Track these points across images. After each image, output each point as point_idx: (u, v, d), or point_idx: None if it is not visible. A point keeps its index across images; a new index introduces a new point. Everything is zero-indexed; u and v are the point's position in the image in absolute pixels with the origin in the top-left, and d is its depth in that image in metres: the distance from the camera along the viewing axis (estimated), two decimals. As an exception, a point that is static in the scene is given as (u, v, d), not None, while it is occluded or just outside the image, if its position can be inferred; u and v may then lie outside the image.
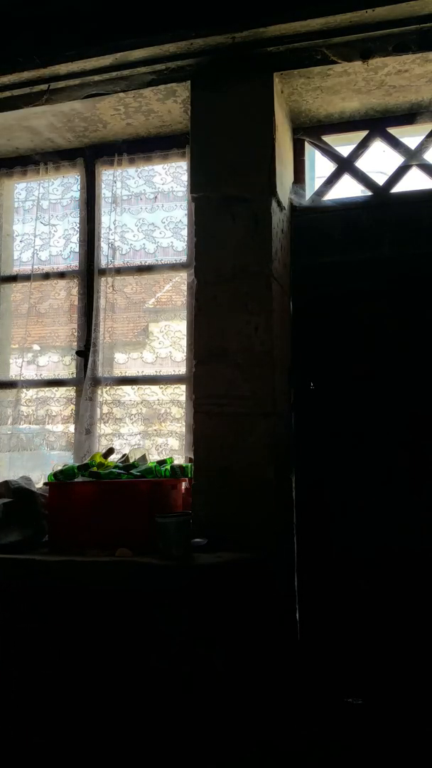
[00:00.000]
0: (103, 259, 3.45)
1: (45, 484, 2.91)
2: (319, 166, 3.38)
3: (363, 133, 3.19)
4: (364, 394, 3.01)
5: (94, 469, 2.86)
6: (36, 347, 3.66)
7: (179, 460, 3.13)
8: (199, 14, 2.74)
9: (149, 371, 3.38)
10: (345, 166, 3.18)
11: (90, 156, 3.49)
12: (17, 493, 2.87)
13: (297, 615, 3.00)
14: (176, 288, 3.49)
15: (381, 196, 3.10)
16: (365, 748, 2.74)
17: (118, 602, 2.50)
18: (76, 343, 3.45)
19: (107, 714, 2.50)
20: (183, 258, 3.35)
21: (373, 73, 2.84)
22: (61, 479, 2.79)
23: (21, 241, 3.64)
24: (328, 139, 3.24)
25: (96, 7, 2.88)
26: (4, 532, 2.74)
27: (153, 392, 3.36)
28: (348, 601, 2.95)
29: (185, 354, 3.27)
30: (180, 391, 3.30)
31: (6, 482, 2.94)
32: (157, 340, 3.43)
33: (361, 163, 3.18)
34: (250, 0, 2.68)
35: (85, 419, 3.30)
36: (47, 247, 3.56)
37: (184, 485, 2.85)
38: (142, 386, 3.38)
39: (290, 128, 3.18)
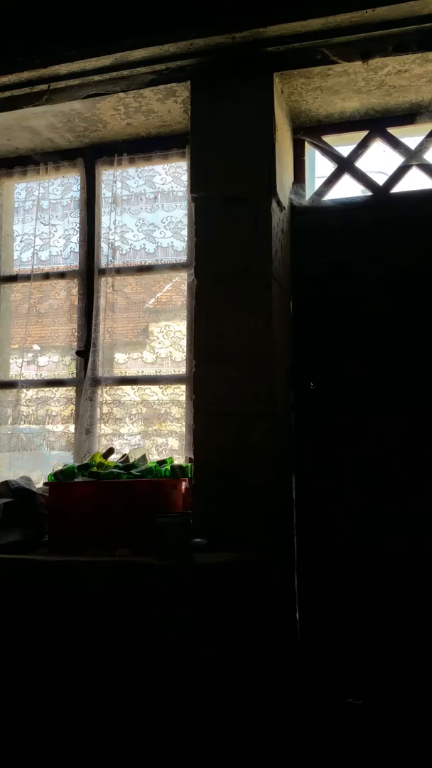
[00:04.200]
0: (103, 259, 3.45)
1: (45, 484, 2.91)
2: (319, 166, 3.38)
3: (363, 133, 3.19)
4: (365, 393, 3.01)
5: (94, 469, 2.86)
6: (36, 347, 3.66)
7: (179, 460, 3.13)
8: (199, 14, 2.74)
9: (149, 371, 3.38)
10: (345, 166, 3.18)
11: (90, 156, 3.49)
12: (17, 493, 2.87)
13: (297, 615, 3.00)
14: (176, 288, 3.49)
15: (381, 196, 3.10)
16: (365, 749, 2.74)
17: (118, 602, 2.50)
18: (76, 343, 3.45)
19: (107, 714, 2.50)
20: (183, 258, 3.35)
21: (373, 73, 2.84)
22: (61, 479, 2.79)
23: (21, 241, 3.64)
24: (328, 139, 3.24)
25: (96, 7, 2.88)
26: (4, 532, 2.74)
27: (153, 392, 3.36)
28: (348, 601, 2.95)
29: (185, 354, 3.27)
30: (180, 391, 3.30)
31: (6, 482, 2.94)
32: (157, 340, 3.43)
33: (361, 163, 3.18)
34: (250, 0, 2.68)
35: (85, 419, 3.30)
36: (47, 247, 3.56)
37: (184, 485, 2.85)
38: (142, 386, 3.38)
39: (290, 128, 3.18)
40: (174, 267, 3.39)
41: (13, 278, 3.67)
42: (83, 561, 2.54)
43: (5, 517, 2.78)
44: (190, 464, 2.90)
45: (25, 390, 3.51)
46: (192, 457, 2.90)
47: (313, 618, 2.99)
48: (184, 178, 3.36)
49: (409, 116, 3.13)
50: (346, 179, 3.20)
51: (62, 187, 3.58)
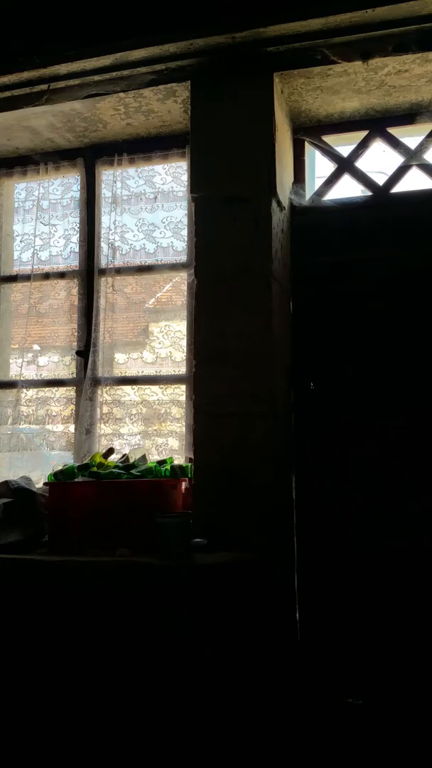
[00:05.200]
0: (103, 259, 3.45)
1: (45, 484, 2.91)
2: (319, 166, 3.38)
3: (363, 133, 3.19)
4: (365, 393, 3.01)
5: (94, 469, 2.86)
6: (36, 347, 3.66)
7: (179, 460, 3.13)
8: (199, 14, 2.74)
9: (149, 371, 3.38)
10: (345, 166, 3.18)
11: (90, 156, 3.49)
12: (17, 493, 2.87)
13: (297, 615, 3.00)
14: (176, 288, 3.49)
15: (381, 196, 3.10)
16: (365, 749, 2.74)
17: (118, 602, 2.50)
18: (76, 343, 3.45)
19: (107, 714, 2.50)
20: (183, 258, 3.35)
21: (373, 73, 2.84)
22: (61, 479, 2.79)
23: (21, 241, 3.64)
24: (328, 139, 3.24)
25: (96, 7, 2.88)
26: (4, 532, 2.74)
27: (153, 392, 3.36)
28: (348, 601, 2.95)
29: (185, 354, 3.27)
30: (180, 391, 3.30)
31: (6, 482, 2.94)
32: (157, 340, 3.43)
33: (361, 163, 3.18)
34: (250, 0, 2.68)
35: (85, 419, 3.30)
36: (47, 247, 3.56)
37: (184, 485, 2.85)
38: (142, 386, 3.38)
39: (290, 128, 3.18)
40: (174, 267, 3.39)
41: (13, 278, 3.67)
42: (83, 561, 2.54)
43: (5, 517, 2.78)
44: (190, 464, 2.90)
45: (25, 390, 3.51)
46: (192, 457, 2.90)
47: (313, 618, 2.99)
48: (184, 178, 3.36)
49: (409, 116, 3.13)
50: (346, 179, 3.19)
51: (62, 187, 3.58)
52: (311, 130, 3.25)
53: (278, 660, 2.64)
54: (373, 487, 2.96)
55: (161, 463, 2.94)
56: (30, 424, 3.52)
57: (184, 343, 3.29)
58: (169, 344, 3.38)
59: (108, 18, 2.86)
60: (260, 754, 2.44)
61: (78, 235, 3.49)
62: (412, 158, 3.08)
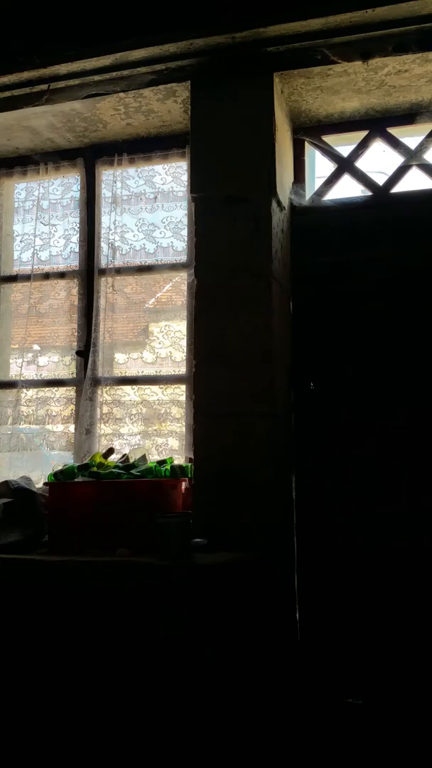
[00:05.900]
0: (103, 259, 3.45)
1: (45, 484, 2.91)
2: (319, 166, 3.38)
3: (363, 133, 3.19)
4: (365, 393, 3.01)
5: (94, 469, 2.86)
6: (36, 347, 3.67)
7: (179, 460, 3.13)
8: (199, 14, 2.74)
9: (149, 371, 3.38)
10: (345, 166, 3.18)
11: (90, 156, 3.49)
12: (17, 493, 2.88)
13: (297, 615, 3.00)
14: (176, 288, 3.49)
15: (381, 196, 3.10)
16: (365, 749, 2.74)
17: (118, 602, 2.50)
18: (76, 343, 3.45)
19: (107, 714, 2.50)
20: (183, 258, 3.35)
21: (373, 73, 2.84)
22: (61, 479, 2.80)
23: (21, 241, 3.64)
24: (328, 139, 3.24)
25: (96, 7, 2.88)
26: (4, 532, 2.75)
27: (153, 392, 3.36)
28: (348, 601, 2.95)
29: (185, 354, 3.27)
30: (180, 391, 3.30)
31: (6, 482, 2.94)
32: (157, 340, 3.43)
33: (361, 163, 3.18)
34: (250, 0, 2.68)
35: (85, 419, 3.30)
36: (47, 247, 3.56)
37: (184, 485, 2.85)
38: (142, 386, 3.38)
39: (290, 128, 3.18)
40: (174, 267, 3.39)
41: (13, 278, 3.67)
42: (83, 561, 2.54)
43: (5, 517, 2.78)
44: (190, 464, 2.90)
45: (25, 390, 3.51)
46: (192, 457, 2.90)
47: (313, 618, 2.99)
48: (184, 178, 3.36)
49: (409, 116, 3.13)
50: (346, 179, 3.20)
51: (62, 187, 3.58)
52: (311, 130, 3.25)
53: (278, 660, 2.64)
54: (373, 487, 2.96)
55: (161, 463, 2.94)
56: (30, 424, 3.52)
57: (184, 343, 3.29)
58: (169, 344, 3.38)
59: (108, 18, 2.86)
60: (260, 754, 2.44)
61: (78, 235, 3.49)
62: (412, 158, 3.08)
